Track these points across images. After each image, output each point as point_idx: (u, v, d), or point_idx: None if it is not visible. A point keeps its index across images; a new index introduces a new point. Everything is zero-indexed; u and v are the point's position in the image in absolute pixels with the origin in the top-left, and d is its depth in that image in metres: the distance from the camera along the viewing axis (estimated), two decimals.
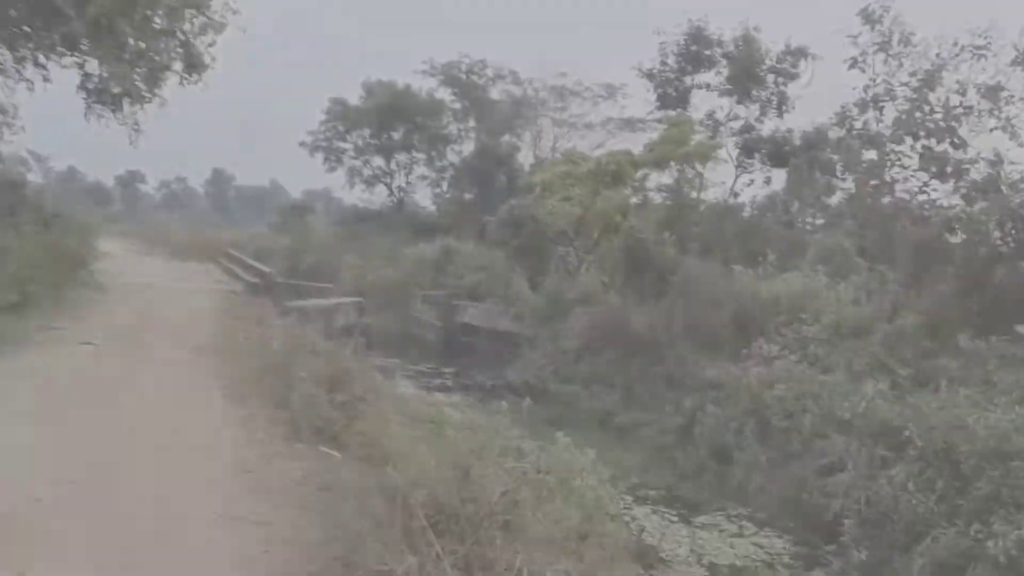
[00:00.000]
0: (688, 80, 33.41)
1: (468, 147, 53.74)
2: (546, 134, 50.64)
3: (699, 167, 29.70)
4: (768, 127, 32.88)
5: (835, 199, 27.71)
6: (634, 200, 29.40)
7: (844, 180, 24.48)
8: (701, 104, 33.79)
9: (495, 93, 52.45)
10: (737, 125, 33.04)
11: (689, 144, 28.64)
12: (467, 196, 49.39)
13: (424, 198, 56.31)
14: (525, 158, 49.26)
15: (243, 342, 14.14)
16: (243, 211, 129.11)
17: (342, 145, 53.52)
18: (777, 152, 31.42)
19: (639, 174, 30.30)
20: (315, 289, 31.09)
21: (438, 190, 55.01)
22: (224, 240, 46.51)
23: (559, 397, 21.10)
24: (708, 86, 33.35)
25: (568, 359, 22.56)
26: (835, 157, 25.04)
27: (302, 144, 53.59)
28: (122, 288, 20.62)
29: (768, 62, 32.20)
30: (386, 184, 54.03)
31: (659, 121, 33.93)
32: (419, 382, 24.27)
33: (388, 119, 51.04)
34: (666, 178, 31.12)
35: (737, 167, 32.84)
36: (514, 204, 29.02)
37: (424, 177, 54.30)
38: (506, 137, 49.92)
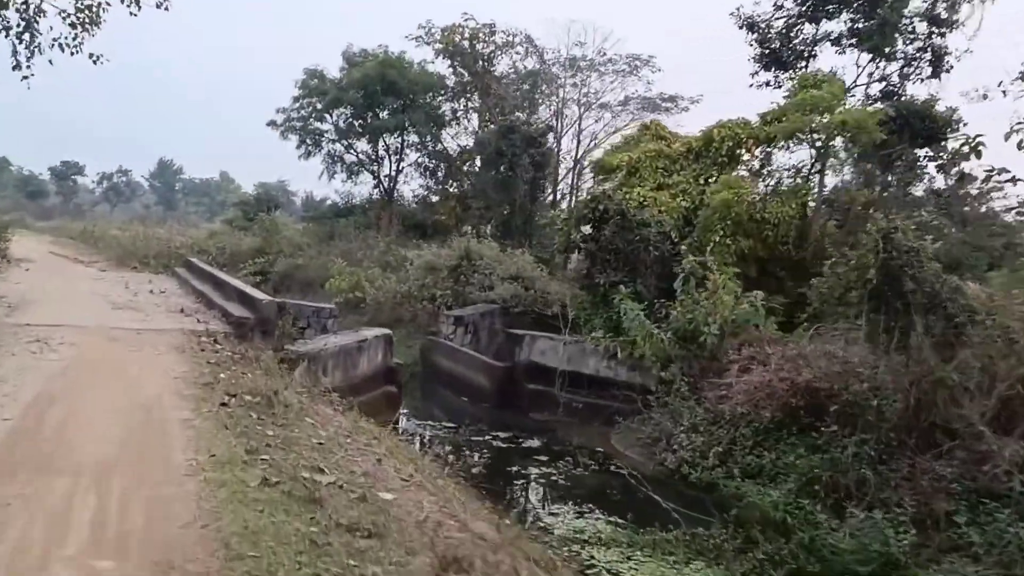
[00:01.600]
0: (808, 30, 25.47)
1: (468, 128, 45.56)
2: (570, 113, 42.59)
3: (845, 143, 21.74)
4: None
5: None
6: (761, 187, 21.35)
7: None
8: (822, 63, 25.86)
9: (503, 65, 44.21)
10: (877, 89, 25.34)
11: (837, 110, 20.79)
12: (482, 186, 41.12)
13: (413, 190, 47.89)
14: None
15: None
16: (192, 206, 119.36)
17: (320, 126, 44.84)
18: (928, 127, 23.62)
19: (759, 152, 22.43)
20: (317, 312, 22.76)
21: (431, 181, 46.61)
22: (179, 242, 37.66)
23: (744, 500, 13.07)
24: (831, 36, 25.43)
25: (740, 435, 14.53)
26: None
27: (271, 124, 44.83)
28: (14, 336, 12.14)
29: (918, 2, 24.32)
30: (372, 172, 45.42)
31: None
32: (502, 461, 16.11)
33: (374, 95, 42.43)
34: (782, 157, 23.21)
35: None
36: (598, 195, 20.80)
37: (418, 164, 45.84)
38: (520, 115, 41.48)
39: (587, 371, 19.52)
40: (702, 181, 22.15)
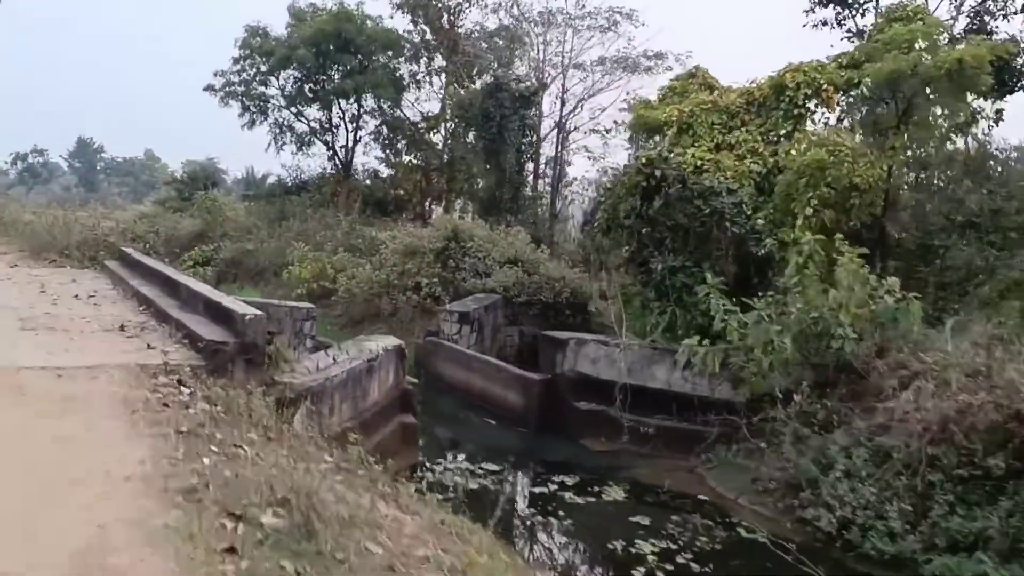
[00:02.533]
0: None
1: (432, 93, 40.61)
2: (547, 73, 37.91)
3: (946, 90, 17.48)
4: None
5: None
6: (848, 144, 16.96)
7: None
8: None
9: (469, 21, 39.37)
10: (961, 27, 21.23)
11: (941, 50, 16.57)
12: (461, 154, 36.29)
13: (366, 163, 42.82)
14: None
15: None
16: (115, 186, 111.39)
17: (266, 91, 39.39)
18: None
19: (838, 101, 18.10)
20: (291, 314, 18.16)
21: (390, 152, 41.61)
22: (106, 227, 32.10)
23: None
24: None
25: (932, 484, 10.32)
26: None
27: (209, 90, 39.17)
28: None
29: None
30: (326, 143, 40.20)
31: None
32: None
33: (328, 54, 37.16)
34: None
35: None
36: (653, 158, 16.20)
37: (377, 134, 40.75)
38: (507, 71, 36.50)
39: (655, 385, 15.11)
40: (772, 138, 17.93)
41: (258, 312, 10.13)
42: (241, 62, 38.79)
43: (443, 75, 39.68)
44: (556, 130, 37.48)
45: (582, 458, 14.64)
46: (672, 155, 17.02)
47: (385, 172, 42.24)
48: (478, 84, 36.38)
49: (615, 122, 35.80)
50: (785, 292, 13.77)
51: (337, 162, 40.23)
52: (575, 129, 38.54)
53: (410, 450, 13.78)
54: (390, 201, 40.01)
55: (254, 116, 39.12)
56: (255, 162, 51.47)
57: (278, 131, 39.78)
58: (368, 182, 41.55)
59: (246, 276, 33.55)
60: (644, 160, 16.32)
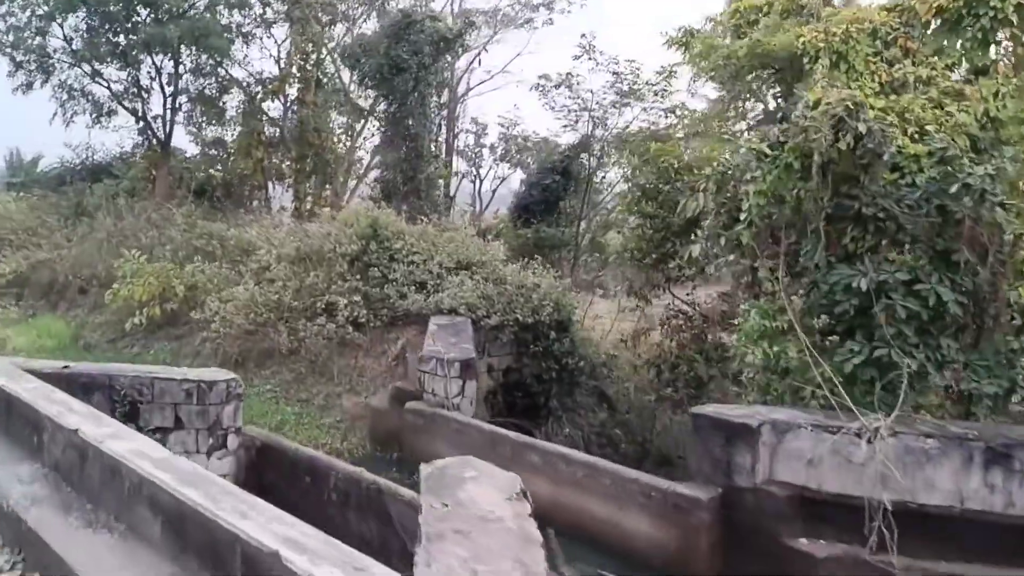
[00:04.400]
0: None
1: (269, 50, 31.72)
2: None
3: None
4: None
5: None
6: None
7: None
8: None
9: None
10: None
11: None
12: (313, 126, 27.84)
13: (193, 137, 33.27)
14: None
15: None
16: None
17: (45, 42, 28.92)
18: None
19: None
20: (197, 394, 10.05)
21: (218, 126, 32.50)
22: None
23: None
24: None
25: None
26: None
27: None
28: None
29: None
30: (134, 112, 30.34)
31: None
32: None
33: None
34: None
35: None
36: (849, 106, 9.40)
37: (201, 99, 31.39)
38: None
39: (935, 501, 8.47)
40: (966, 74, 11.82)
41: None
42: (8, 3, 28.22)
43: (287, 25, 30.89)
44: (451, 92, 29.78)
45: None
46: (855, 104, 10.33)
47: (211, 149, 33.00)
48: (369, 27, 27.98)
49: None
50: None
51: (151, 137, 30.49)
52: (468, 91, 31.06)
53: None
54: (217, 186, 30.98)
55: (31, 75, 28.68)
56: (21, 142, 39.50)
57: (66, 97, 29.54)
58: (187, 161, 32.17)
59: (39, 296, 23.96)
60: (831, 114, 9.54)
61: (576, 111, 25.43)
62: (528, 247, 22.43)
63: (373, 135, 30.21)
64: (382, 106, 26.40)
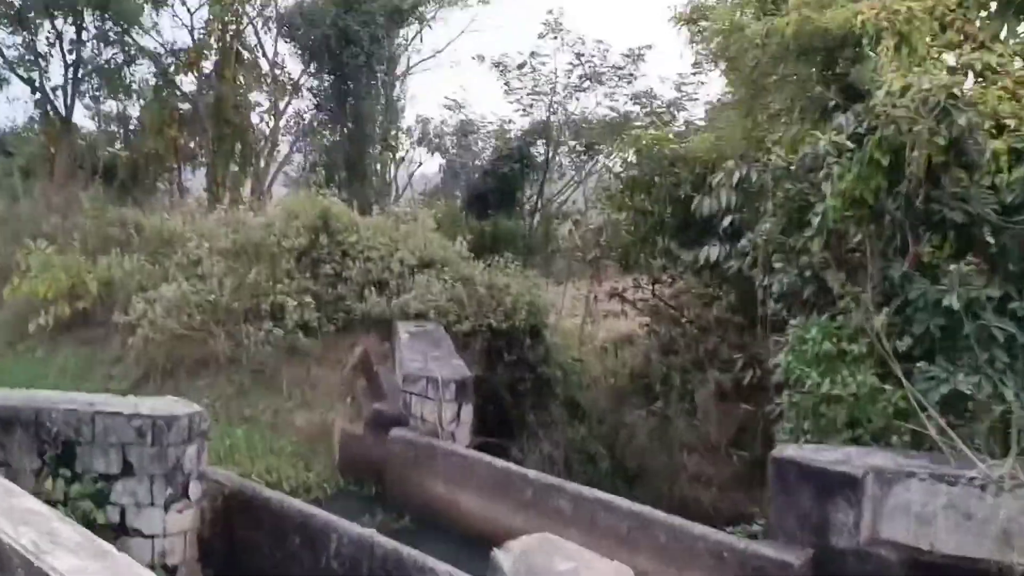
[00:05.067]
0: None
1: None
2: None
3: None
4: None
5: None
6: None
7: None
8: None
9: None
10: None
11: None
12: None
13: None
14: None
15: None
16: None
17: None
18: None
19: None
20: (152, 433, 7.94)
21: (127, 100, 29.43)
22: None
23: None
24: None
25: None
26: None
27: None
28: None
29: None
30: (30, 82, 27.08)
31: None
32: None
33: None
34: None
35: None
36: (949, 88, 7.84)
37: (108, 68, 28.26)
38: None
39: None
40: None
41: None
42: None
43: None
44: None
45: None
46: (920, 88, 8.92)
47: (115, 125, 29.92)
48: None
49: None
50: None
51: (50, 110, 27.29)
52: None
53: None
54: (122, 167, 28.00)
55: None
56: None
57: None
58: (89, 138, 29.03)
59: None
60: (935, 97, 8.06)
61: (535, 94, 23.60)
62: (485, 241, 20.60)
63: (301, 115, 27.56)
64: (314, 83, 23.97)
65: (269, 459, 12.54)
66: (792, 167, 9.55)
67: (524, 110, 24.05)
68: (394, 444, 10.81)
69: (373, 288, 15.53)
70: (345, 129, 22.32)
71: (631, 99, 22.16)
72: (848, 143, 8.55)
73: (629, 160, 15.16)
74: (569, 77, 23.26)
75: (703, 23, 14.07)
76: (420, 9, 23.69)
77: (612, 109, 22.44)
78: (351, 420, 12.13)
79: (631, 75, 21.99)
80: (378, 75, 22.48)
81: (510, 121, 25.18)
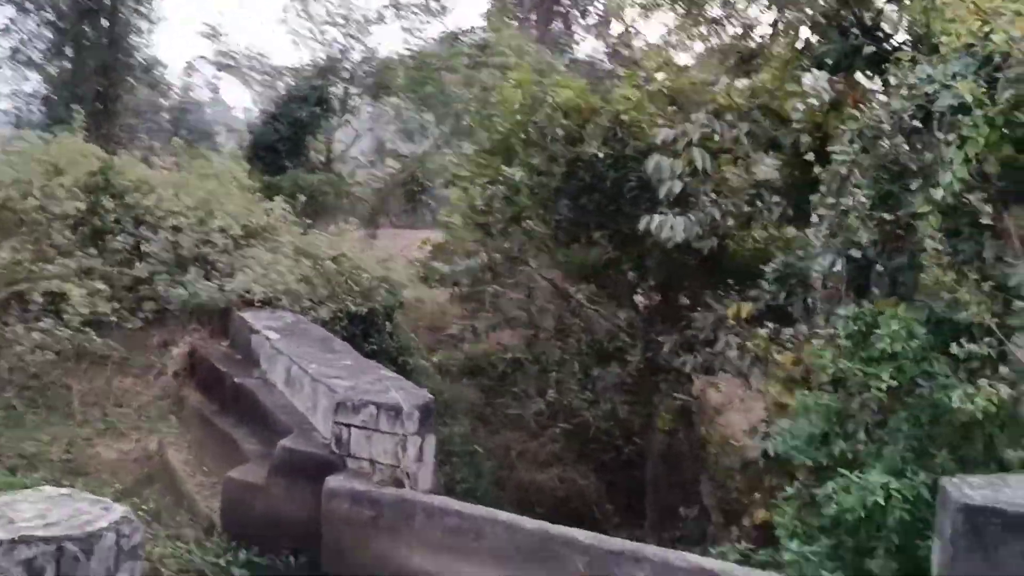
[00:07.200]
0: None
1: None
2: None
3: None
4: None
5: None
6: None
7: None
8: None
9: None
10: None
11: None
12: None
13: None
14: None
15: None
16: None
17: None
18: None
19: None
20: None
21: None
22: None
23: None
24: None
25: None
26: None
27: None
28: None
29: None
30: None
31: None
32: None
33: None
34: None
35: None
36: None
37: None
38: None
39: None
40: None
41: None
42: None
43: None
44: None
45: None
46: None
47: None
48: None
49: None
50: None
51: None
52: None
53: None
54: None
55: None
56: None
57: None
58: None
59: None
60: None
61: (329, 24, 19.81)
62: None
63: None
64: None
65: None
66: (882, 123, 7.60)
67: (317, 41, 20.19)
68: (335, 499, 7.58)
69: (194, 266, 11.77)
70: (89, 53, 17.13)
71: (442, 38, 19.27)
72: (981, 95, 6.77)
73: (516, 108, 12.52)
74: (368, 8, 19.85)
75: None
76: None
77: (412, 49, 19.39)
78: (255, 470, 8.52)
79: (442, 7, 19.10)
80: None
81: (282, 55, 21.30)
